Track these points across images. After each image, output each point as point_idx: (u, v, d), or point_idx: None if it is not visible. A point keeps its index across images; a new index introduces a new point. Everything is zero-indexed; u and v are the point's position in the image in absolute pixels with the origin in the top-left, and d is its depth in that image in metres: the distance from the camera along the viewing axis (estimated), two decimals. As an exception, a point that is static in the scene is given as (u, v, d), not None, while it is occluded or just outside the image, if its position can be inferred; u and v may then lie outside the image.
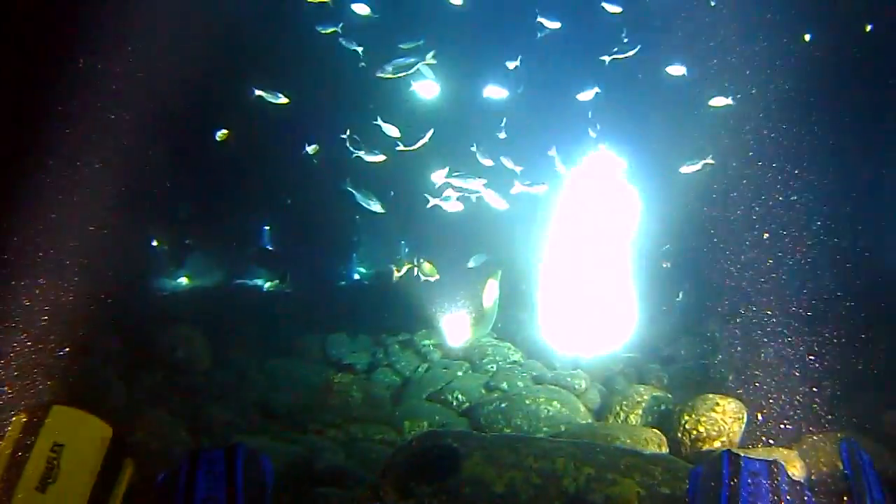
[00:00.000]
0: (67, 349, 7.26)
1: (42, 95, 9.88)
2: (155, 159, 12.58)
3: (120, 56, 10.31)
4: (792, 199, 10.80)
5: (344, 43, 12.31)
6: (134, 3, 10.84)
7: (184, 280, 17.83)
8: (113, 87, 10.16)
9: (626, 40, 12.58)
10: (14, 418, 3.84)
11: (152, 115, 11.09)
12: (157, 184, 13.37)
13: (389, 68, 10.40)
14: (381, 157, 11.63)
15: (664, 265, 13.37)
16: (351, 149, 11.49)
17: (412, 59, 10.46)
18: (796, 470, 7.71)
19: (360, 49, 12.23)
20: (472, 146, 12.13)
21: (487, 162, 12.15)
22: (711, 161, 11.79)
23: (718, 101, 12.20)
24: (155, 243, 17.40)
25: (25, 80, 10.38)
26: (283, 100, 11.88)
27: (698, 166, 11.89)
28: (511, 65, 13.09)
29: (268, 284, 17.91)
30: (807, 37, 13.23)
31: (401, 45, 11.75)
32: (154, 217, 15.81)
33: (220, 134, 13.01)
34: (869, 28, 13.66)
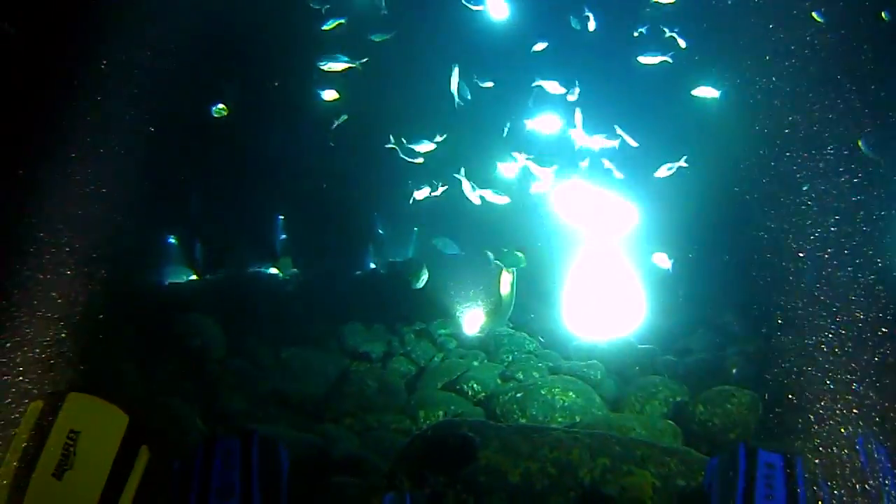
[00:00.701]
0: (91, 338, 7.32)
1: (66, 92, 9.95)
2: (172, 149, 12.62)
3: (140, 52, 10.37)
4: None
5: (330, 22, 12.41)
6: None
7: (199, 268, 17.82)
8: (135, 83, 10.21)
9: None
10: (31, 405, 3.86)
11: (170, 109, 11.13)
12: (174, 172, 13.41)
13: (330, 63, 11.29)
14: (430, 146, 12.02)
15: (690, 255, 13.16)
16: (405, 158, 12.02)
17: (347, 60, 11.29)
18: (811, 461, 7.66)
19: (342, 21, 12.35)
20: (521, 153, 12.31)
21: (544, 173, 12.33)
22: (685, 164, 11.72)
23: (703, 91, 12.05)
24: (170, 232, 17.42)
25: (50, 77, 10.47)
26: (332, 94, 11.95)
27: (674, 169, 11.83)
28: (539, 46, 13.01)
29: (281, 274, 17.91)
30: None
31: (372, 38, 11.98)
32: (170, 206, 15.86)
33: (217, 109, 12.95)
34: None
